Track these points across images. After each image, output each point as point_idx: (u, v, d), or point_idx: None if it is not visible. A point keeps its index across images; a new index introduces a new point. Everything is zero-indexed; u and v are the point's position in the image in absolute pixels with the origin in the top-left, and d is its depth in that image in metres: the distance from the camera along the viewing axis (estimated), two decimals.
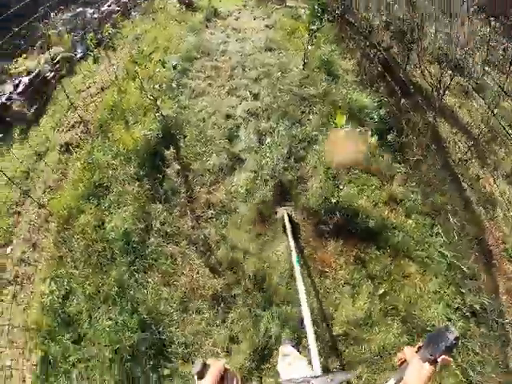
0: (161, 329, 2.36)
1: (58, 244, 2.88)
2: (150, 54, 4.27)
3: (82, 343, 2.39)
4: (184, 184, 3.03)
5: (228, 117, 3.52)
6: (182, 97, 3.72)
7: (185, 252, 2.68)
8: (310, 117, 3.43)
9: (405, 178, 3.02)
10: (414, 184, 2.99)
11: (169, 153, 3.23)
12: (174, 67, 3.61)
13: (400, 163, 3.14)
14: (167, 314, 2.43)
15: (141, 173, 3.09)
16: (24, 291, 2.82)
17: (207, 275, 2.57)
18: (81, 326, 2.45)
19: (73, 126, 3.88)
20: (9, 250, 3.17)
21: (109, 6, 6.02)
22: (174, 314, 2.43)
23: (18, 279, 2.92)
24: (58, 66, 4.79)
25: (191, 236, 2.74)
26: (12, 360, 2.50)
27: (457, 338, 0.76)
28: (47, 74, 4.71)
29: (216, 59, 4.27)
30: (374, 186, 2.96)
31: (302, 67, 3.88)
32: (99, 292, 2.54)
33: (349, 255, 2.58)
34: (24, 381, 2.42)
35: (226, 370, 0.71)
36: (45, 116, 4.34)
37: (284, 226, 2.52)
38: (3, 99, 4.40)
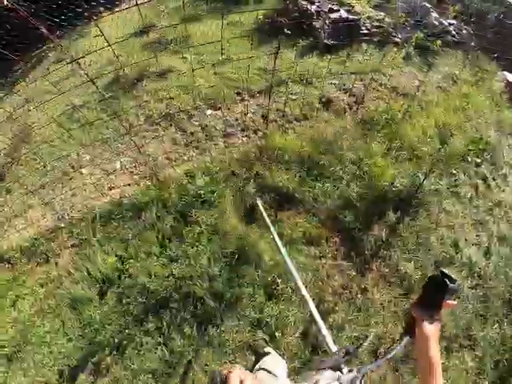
0: None
1: None
2: (455, 107, 3.68)
3: None
4: None
5: (454, 245, 2.95)
6: (445, 180, 3.14)
7: None
8: (494, 327, 2.83)
9: None
10: None
11: (392, 215, 2.82)
12: None
13: None
14: None
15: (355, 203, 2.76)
16: None
17: None
18: None
19: (345, 91, 3.51)
20: (209, 112, 3.10)
21: None
22: None
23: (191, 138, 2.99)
24: (375, 30, 4.28)
25: None
26: None
27: (454, 281, 0.79)
28: (362, 28, 4.21)
29: (494, 178, 3.52)
30: None
31: None
32: None
33: None
34: None
35: (244, 377, 0.70)
36: (330, 57, 3.81)
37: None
38: (313, 9, 3.97)
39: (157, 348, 2.31)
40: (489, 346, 2.76)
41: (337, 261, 2.56)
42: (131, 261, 2.40)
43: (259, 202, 2.38)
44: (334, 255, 2.58)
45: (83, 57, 2.81)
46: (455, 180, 3.22)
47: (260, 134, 2.93)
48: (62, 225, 2.88)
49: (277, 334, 2.35)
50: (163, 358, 2.28)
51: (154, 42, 3.78)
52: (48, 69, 4.32)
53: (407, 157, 3.04)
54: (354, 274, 2.55)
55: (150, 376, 2.24)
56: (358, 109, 3.19)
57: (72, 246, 2.74)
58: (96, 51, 2.18)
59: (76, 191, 3.07)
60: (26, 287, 2.56)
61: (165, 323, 2.34)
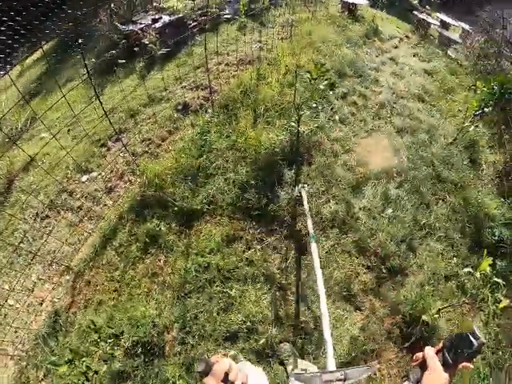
0: None
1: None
2: (302, 48, 3.94)
3: None
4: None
5: (360, 164, 3.02)
6: (322, 113, 3.26)
7: None
8: (439, 205, 2.89)
9: None
10: None
11: (289, 174, 2.81)
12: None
13: None
14: None
15: (251, 182, 2.69)
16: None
17: None
18: None
19: (197, 88, 3.52)
20: (84, 178, 3.00)
21: None
22: None
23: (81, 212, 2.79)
24: (203, 18, 4.52)
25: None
26: None
27: (482, 345, 0.72)
28: (189, 22, 4.46)
29: (366, 86, 3.85)
30: None
31: (450, 141, 3.36)
32: None
33: None
34: None
35: (230, 367, 0.71)
36: (171, 63, 4.03)
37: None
38: (138, 27, 4.19)
39: None
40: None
41: None
42: None
43: (303, 192, 2.43)
44: None
45: None
46: (320, 109, 3.28)
47: (136, 170, 2.89)
48: None
49: None
50: None
51: None
52: None
53: (275, 114, 3.16)
54: None
55: None
56: (213, 99, 3.26)
57: None
58: None
59: None
60: None
61: None
